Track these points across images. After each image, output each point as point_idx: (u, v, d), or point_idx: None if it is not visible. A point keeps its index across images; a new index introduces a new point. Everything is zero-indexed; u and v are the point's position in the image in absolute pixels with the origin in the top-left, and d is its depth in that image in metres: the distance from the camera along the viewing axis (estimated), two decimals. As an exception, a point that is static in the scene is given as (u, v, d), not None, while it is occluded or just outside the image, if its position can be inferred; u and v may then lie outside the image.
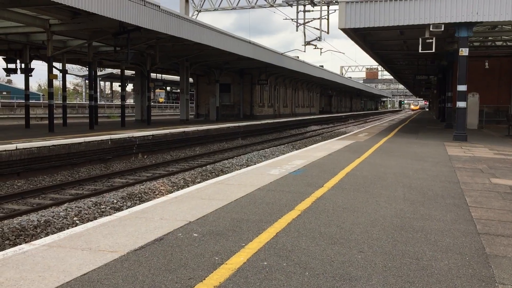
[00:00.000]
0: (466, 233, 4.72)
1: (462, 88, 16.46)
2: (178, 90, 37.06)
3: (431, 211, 5.66)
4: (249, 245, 4.15)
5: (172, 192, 10.23)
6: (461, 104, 16.64)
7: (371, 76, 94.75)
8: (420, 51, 17.11)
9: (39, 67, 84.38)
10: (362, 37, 21.67)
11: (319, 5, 29.80)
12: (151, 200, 9.80)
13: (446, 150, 13.20)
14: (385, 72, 72.38)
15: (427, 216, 5.38)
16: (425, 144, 15.02)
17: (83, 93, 63.96)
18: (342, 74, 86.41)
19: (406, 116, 55.19)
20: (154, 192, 11.31)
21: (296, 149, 19.92)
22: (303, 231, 4.63)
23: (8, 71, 23.57)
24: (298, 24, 31.17)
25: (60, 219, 8.55)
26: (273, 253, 3.95)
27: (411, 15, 16.05)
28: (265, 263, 3.72)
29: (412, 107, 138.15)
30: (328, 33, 31.69)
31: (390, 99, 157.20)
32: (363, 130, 22.93)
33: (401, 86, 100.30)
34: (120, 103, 28.01)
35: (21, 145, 12.43)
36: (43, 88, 78.08)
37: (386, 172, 8.72)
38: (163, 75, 39.29)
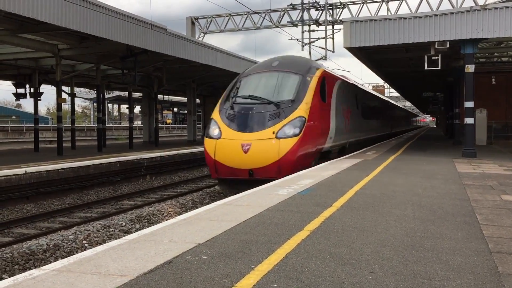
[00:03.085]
0: (478, 252, 4.66)
1: (469, 104, 16.42)
2: (186, 111, 37.25)
3: (442, 229, 5.60)
4: (259, 267, 4.13)
5: (180, 214, 10.22)
6: (469, 120, 16.58)
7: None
8: (426, 68, 17.15)
9: (48, 91, 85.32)
10: (368, 55, 21.77)
11: (323, 25, 30.03)
12: (159, 222, 9.80)
13: (455, 167, 13.11)
14: (392, 89, 72.48)
15: (438, 235, 5.32)
16: (433, 161, 14.93)
17: (92, 116, 64.51)
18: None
19: (413, 133, 54.94)
20: (163, 214, 11.30)
21: (304, 168, 19.83)
22: (313, 252, 4.60)
23: (18, 96, 23.89)
24: (304, 44, 31.37)
25: (69, 243, 8.56)
26: (283, 275, 3.92)
27: (415, 33, 16.13)
28: (275, 285, 3.69)
29: None
30: (333, 52, 31.86)
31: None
32: (371, 147, 22.86)
33: (408, 103, 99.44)
34: (128, 125, 28.20)
35: (30, 169, 12.52)
36: (52, 111, 78.91)
37: (395, 190, 8.67)
38: (170, 97, 39.57)
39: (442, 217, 6.32)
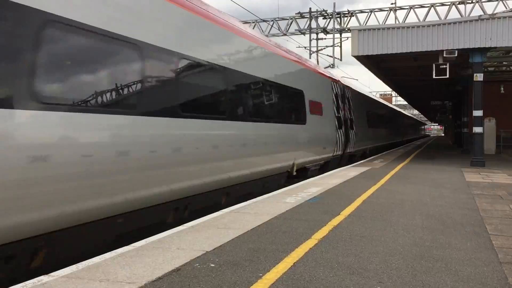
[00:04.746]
0: (488, 262, 4.63)
1: (478, 113, 16.35)
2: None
3: (451, 239, 5.57)
4: (267, 275, 4.12)
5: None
6: (477, 129, 16.50)
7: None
8: (434, 77, 17.10)
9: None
10: (375, 63, 21.76)
11: (331, 33, 30.11)
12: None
13: (463, 176, 13.04)
14: (399, 98, 72.25)
15: (447, 245, 5.29)
16: (442, 170, 14.86)
17: None
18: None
19: (421, 142, 54.87)
20: (170, 221, 11.30)
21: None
22: (321, 261, 4.58)
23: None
24: (311, 52, 31.47)
25: (77, 249, 8.58)
26: (290, 284, 3.91)
27: (424, 41, 16.11)
28: (283, 294, 3.68)
29: None
30: (341, 60, 31.92)
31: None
32: (379, 156, 22.80)
33: (415, 112, 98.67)
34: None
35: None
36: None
37: (403, 199, 8.63)
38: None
39: (451, 226, 6.28)
